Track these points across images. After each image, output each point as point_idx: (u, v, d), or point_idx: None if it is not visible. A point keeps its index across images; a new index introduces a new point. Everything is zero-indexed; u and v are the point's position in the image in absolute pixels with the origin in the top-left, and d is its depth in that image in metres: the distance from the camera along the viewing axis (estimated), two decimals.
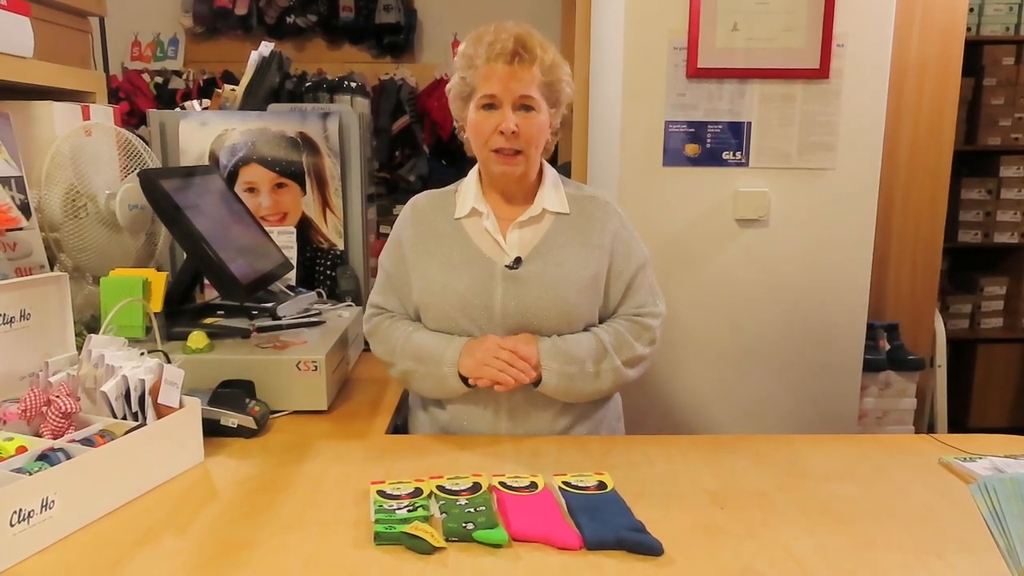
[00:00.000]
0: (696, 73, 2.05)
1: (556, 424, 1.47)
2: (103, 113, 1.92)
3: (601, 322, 1.50)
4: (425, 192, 1.57)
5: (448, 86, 1.48)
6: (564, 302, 1.42)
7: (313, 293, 1.95)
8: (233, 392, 1.45)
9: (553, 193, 1.49)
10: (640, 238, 1.54)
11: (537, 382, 1.40)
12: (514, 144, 1.39)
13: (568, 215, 1.48)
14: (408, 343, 1.46)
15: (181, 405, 1.28)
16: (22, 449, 1.13)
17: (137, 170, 1.81)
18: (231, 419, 1.41)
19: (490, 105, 1.39)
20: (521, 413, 1.46)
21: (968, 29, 2.92)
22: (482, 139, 1.42)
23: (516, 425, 1.46)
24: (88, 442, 1.16)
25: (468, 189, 1.51)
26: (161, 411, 1.27)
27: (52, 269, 1.64)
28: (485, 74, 1.38)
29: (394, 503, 1.13)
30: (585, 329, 1.46)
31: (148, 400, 1.26)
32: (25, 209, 1.56)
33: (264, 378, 1.52)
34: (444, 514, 1.10)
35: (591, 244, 1.46)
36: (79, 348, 1.38)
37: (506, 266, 1.43)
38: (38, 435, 1.21)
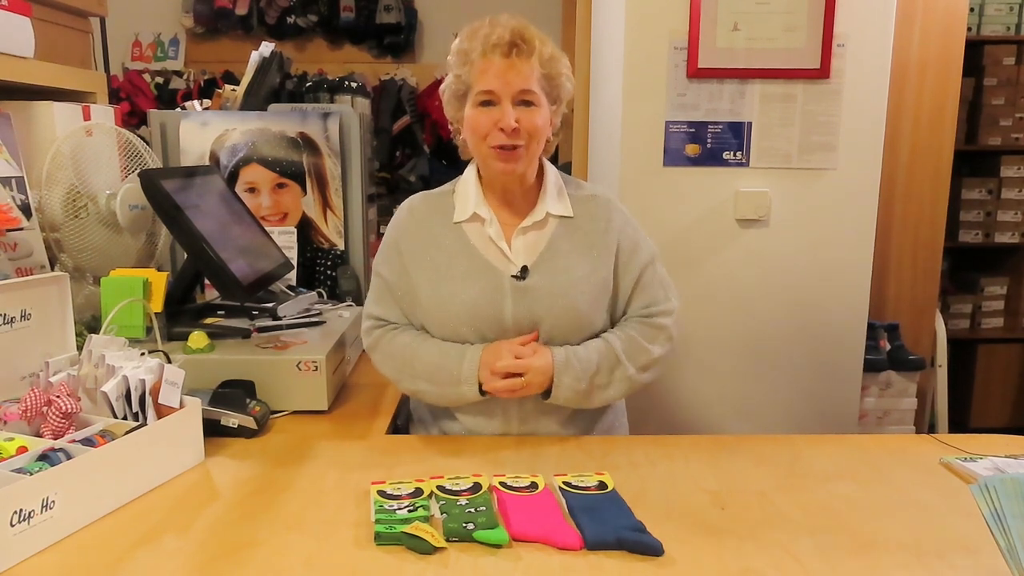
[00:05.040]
0: (697, 73, 2.05)
1: (566, 431, 1.46)
2: (104, 113, 1.92)
3: (613, 319, 1.47)
4: (420, 194, 1.52)
5: (442, 87, 1.43)
6: (576, 312, 1.39)
7: (313, 293, 1.96)
8: (233, 392, 1.45)
9: (556, 196, 1.45)
10: (645, 234, 1.51)
11: (547, 393, 1.38)
12: (515, 139, 1.34)
13: (572, 218, 1.44)
14: (417, 361, 1.41)
15: (182, 405, 1.28)
16: (23, 449, 1.13)
17: (138, 170, 1.81)
18: (232, 419, 1.41)
19: (488, 102, 1.34)
20: (531, 422, 1.44)
21: (969, 29, 2.92)
22: (480, 136, 1.36)
23: (527, 433, 1.44)
24: (88, 442, 1.16)
25: (467, 191, 1.45)
26: (162, 411, 1.27)
27: (53, 269, 1.64)
28: (481, 68, 1.33)
29: (395, 503, 1.13)
30: (597, 333, 1.43)
31: (148, 400, 1.26)
32: (26, 209, 1.57)
33: (264, 378, 1.52)
34: (444, 514, 1.10)
35: (597, 247, 1.43)
36: (80, 348, 1.38)
37: (512, 276, 1.39)
38: (39, 435, 1.21)
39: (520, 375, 1.34)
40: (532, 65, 1.33)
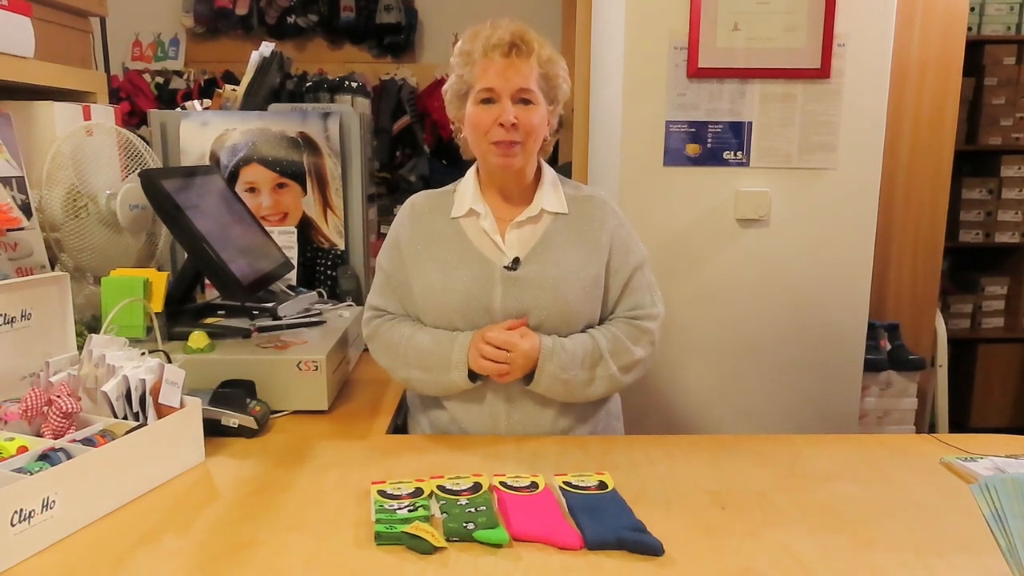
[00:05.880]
0: (697, 73, 2.05)
1: (556, 425, 1.47)
2: (104, 113, 1.92)
3: (600, 319, 1.49)
4: (423, 192, 1.56)
5: (445, 87, 1.48)
6: (564, 304, 1.42)
7: (314, 293, 1.95)
8: (234, 392, 1.45)
9: (552, 193, 1.49)
10: (638, 237, 1.54)
11: (530, 379, 1.40)
12: (513, 136, 1.38)
13: (566, 215, 1.48)
14: (411, 349, 1.44)
15: (182, 405, 1.28)
16: (23, 449, 1.13)
17: (138, 170, 1.81)
18: (232, 419, 1.41)
19: (488, 99, 1.39)
20: (520, 414, 1.45)
21: (969, 29, 2.92)
22: (480, 132, 1.41)
23: (515, 424, 1.46)
24: (89, 442, 1.16)
25: (466, 188, 1.50)
26: (162, 411, 1.27)
27: (53, 269, 1.64)
28: (483, 67, 1.38)
29: (395, 503, 1.13)
30: (584, 329, 1.46)
31: (149, 400, 1.26)
32: (26, 209, 1.57)
33: (265, 378, 1.52)
34: (445, 514, 1.10)
35: (590, 243, 1.46)
36: (80, 348, 1.38)
37: (504, 267, 1.43)
38: (39, 435, 1.21)
39: (506, 363, 1.37)
40: (531, 65, 1.38)
